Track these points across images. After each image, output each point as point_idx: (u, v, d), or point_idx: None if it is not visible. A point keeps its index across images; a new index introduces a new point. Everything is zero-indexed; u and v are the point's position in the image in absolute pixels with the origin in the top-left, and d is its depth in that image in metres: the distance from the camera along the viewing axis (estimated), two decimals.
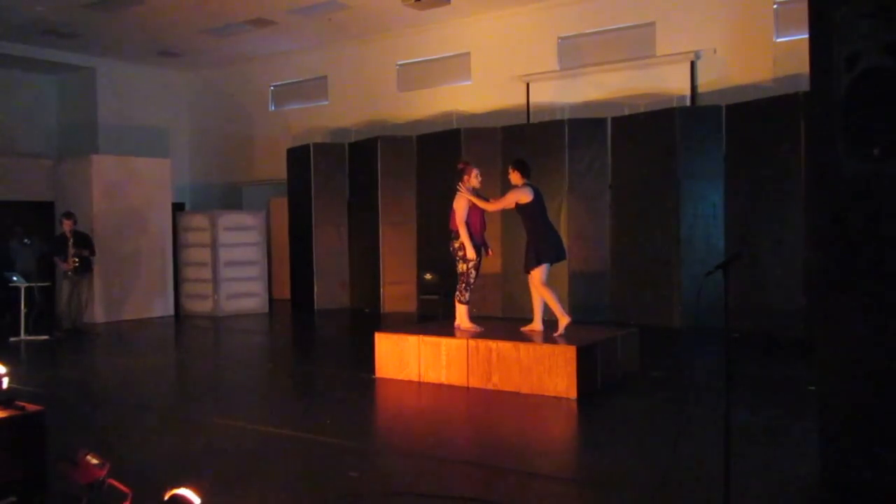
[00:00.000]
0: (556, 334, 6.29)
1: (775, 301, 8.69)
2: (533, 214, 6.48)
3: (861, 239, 3.27)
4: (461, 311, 6.82)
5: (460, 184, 6.67)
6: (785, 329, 8.47)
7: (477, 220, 6.72)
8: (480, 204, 6.67)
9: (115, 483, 3.27)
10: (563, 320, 6.37)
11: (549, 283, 6.57)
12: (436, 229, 11.31)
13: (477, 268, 6.77)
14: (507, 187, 10.37)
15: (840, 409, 3.45)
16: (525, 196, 6.44)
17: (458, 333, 6.67)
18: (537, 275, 6.46)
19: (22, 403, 3.72)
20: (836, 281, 3.41)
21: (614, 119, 10.26)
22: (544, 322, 6.67)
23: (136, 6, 11.56)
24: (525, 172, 6.54)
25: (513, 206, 6.54)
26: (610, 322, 9.44)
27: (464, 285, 6.73)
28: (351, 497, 3.77)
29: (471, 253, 6.62)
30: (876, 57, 3.04)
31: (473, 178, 6.70)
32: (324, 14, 12.13)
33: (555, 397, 5.79)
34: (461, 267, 6.71)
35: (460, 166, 6.83)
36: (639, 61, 11.00)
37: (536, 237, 6.47)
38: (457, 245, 6.68)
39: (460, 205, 6.64)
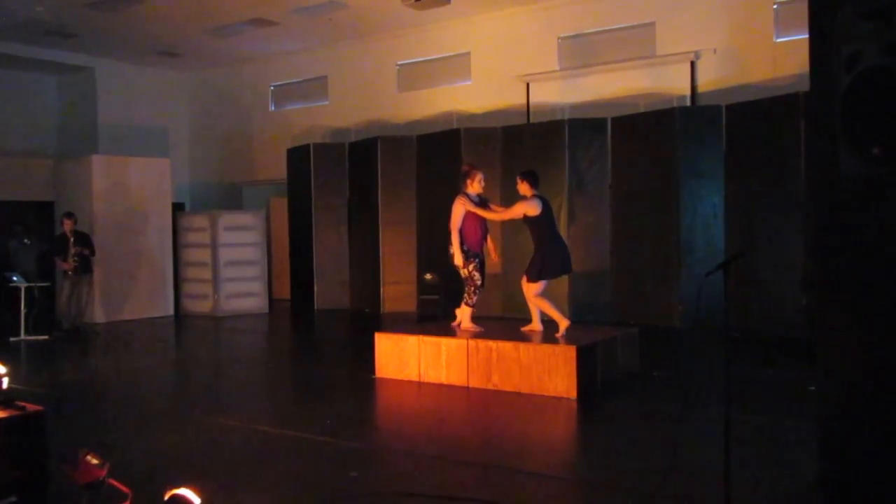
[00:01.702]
0: (557, 335, 6.29)
1: (775, 301, 8.69)
2: (540, 227, 6.47)
3: (861, 239, 3.27)
4: (465, 312, 6.82)
5: (464, 189, 6.68)
6: (785, 329, 8.47)
7: (473, 227, 6.65)
8: (485, 214, 6.66)
9: (115, 483, 3.28)
10: (563, 324, 6.36)
11: (549, 284, 6.57)
12: (436, 229, 11.32)
13: (480, 270, 6.73)
14: (507, 188, 10.44)
15: (840, 410, 3.45)
16: (533, 209, 6.41)
17: (458, 333, 6.68)
18: (533, 287, 6.48)
19: (22, 403, 3.71)
20: (836, 281, 3.41)
21: (614, 119, 10.25)
22: (543, 322, 6.67)
23: (136, 6, 11.56)
24: (534, 184, 6.50)
25: (520, 217, 6.52)
26: (610, 322, 9.44)
27: (472, 289, 6.73)
28: (351, 497, 3.77)
29: (458, 259, 6.60)
30: (876, 57, 3.04)
31: (476, 183, 6.67)
32: (324, 14, 12.14)
33: (555, 397, 5.79)
34: (463, 272, 6.73)
35: (465, 169, 6.81)
36: (639, 61, 11.00)
37: (542, 251, 6.46)
38: (451, 250, 6.69)
39: (456, 210, 6.61)
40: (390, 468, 4.38)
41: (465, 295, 6.78)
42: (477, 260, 6.69)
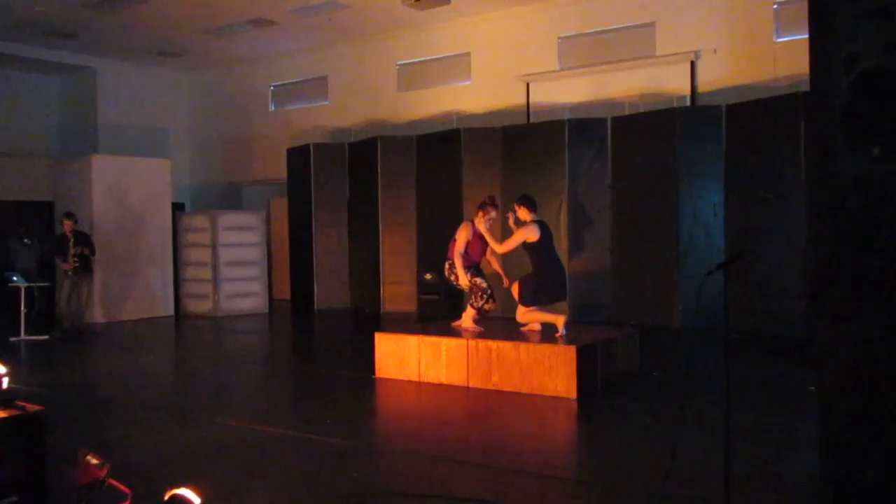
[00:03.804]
0: (557, 335, 6.29)
1: (775, 301, 8.69)
2: (539, 252, 6.50)
3: (861, 239, 3.27)
4: (469, 313, 6.85)
5: (478, 217, 6.78)
6: (785, 329, 8.47)
7: (475, 250, 6.80)
8: (491, 243, 6.75)
9: (115, 483, 3.27)
10: (560, 320, 6.37)
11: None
12: (436, 229, 11.32)
13: (480, 275, 6.85)
14: (507, 188, 10.43)
15: (840, 410, 3.45)
16: (532, 234, 6.44)
17: (460, 332, 6.73)
18: (524, 309, 6.54)
19: (22, 403, 3.71)
20: (836, 281, 3.41)
21: (614, 119, 10.26)
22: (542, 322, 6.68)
23: (136, 6, 11.56)
24: (532, 208, 6.56)
25: (521, 244, 6.56)
26: (610, 322, 9.44)
27: (479, 293, 6.79)
28: (351, 497, 3.77)
29: (463, 281, 6.70)
30: (876, 57, 3.04)
31: (484, 220, 6.75)
32: (324, 14, 12.14)
33: (555, 397, 5.79)
34: (465, 285, 6.78)
35: (485, 201, 6.87)
36: (639, 61, 11.00)
37: (539, 275, 6.49)
38: (452, 277, 6.80)
39: (461, 236, 6.74)
40: (390, 468, 4.38)
41: (472, 298, 6.83)
42: (472, 269, 6.80)
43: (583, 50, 11.59)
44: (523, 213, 6.56)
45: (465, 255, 6.75)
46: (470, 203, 10.77)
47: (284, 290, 13.83)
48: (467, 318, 6.85)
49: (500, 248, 6.73)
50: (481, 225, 6.75)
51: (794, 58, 9.47)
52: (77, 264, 10.12)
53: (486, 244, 6.82)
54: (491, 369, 6.17)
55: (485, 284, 6.79)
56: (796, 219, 8.54)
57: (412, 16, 12.18)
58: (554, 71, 11.75)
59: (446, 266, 6.87)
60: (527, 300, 6.51)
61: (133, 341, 10.07)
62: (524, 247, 6.54)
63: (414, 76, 13.32)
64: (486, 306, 6.85)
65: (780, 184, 8.75)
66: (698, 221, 9.51)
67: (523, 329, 6.71)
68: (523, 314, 6.57)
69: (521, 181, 10.41)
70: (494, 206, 6.85)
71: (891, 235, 3.17)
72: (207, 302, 12.29)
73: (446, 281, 6.99)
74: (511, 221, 6.75)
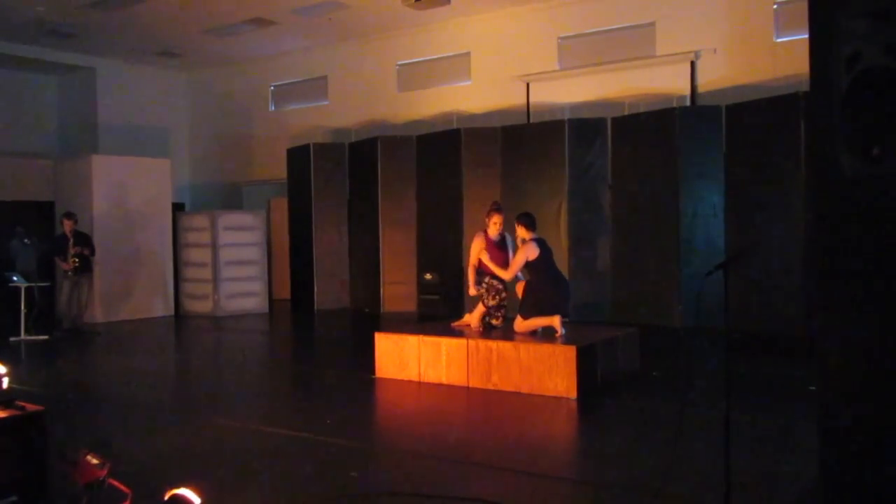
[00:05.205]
0: (556, 335, 6.29)
1: (775, 301, 8.69)
2: (539, 268, 6.51)
3: (861, 239, 3.27)
4: (479, 310, 6.88)
5: (488, 225, 6.86)
6: (785, 329, 8.47)
7: (494, 258, 6.84)
8: (496, 271, 6.75)
9: (115, 483, 3.28)
10: (555, 321, 6.36)
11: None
12: (436, 229, 11.32)
13: (496, 279, 6.89)
14: (507, 188, 10.44)
15: (840, 410, 3.44)
16: (532, 252, 6.46)
17: (462, 328, 6.83)
18: (521, 320, 6.57)
19: (22, 403, 3.71)
20: (836, 281, 3.41)
21: (614, 119, 10.26)
22: None
23: (136, 6, 11.56)
24: (530, 226, 6.58)
25: (523, 264, 6.57)
26: (610, 322, 9.44)
27: (494, 292, 6.83)
28: (351, 497, 3.77)
29: (472, 290, 6.81)
30: (876, 57, 3.04)
31: (492, 225, 6.81)
32: (324, 14, 12.14)
33: (555, 397, 5.79)
34: (473, 294, 6.87)
35: (490, 208, 6.94)
36: (639, 61, 11.00)
37: (537, 294, 6.50)
38: (479, 287, 6.89)
39: (473, 248, 6.86)
40: (390, 468, 4.38)
41: (485, 296, 6.85)
42: (487, 277, 6.84)
43: (583, 50, 11.59)
44: (522, 232, 6.58)
45: (483, 265, 6.81)
46: (470, 203, 10.79)
47: (284, 290, 13.82)
48: (476, 315, 6.87)
49: (506, 275, 6.75)
50: (492, 231, 6.79)
51: (794, 58, 9.47)
52: (77, 264, 10.12)
53: (502, 253, 6.84)
54: (491, 369, 6.17)
55: (501, 286, 6.83)
56: (796, 218, 8.54)
57: (412, 16, 12.18)
58: (554, 71, 11.74)
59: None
60: (525, 313, 6.54)
61: (133, 341, 10.07)
62: (525, 265, 6.57)
63: (414, 76, 13.32)
64: (494, 321, 6.89)
65: (780, 183, 8.75)
66: (698, 221, 9.51)
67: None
68: (520, 324, 6.58)
69: (521, 181, 10.43)
70: (496, 210, 6.88)
71: (890, 235, 3.17)
72: (207, 302, 12.29)
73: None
74: (517, 239, 6.78)
